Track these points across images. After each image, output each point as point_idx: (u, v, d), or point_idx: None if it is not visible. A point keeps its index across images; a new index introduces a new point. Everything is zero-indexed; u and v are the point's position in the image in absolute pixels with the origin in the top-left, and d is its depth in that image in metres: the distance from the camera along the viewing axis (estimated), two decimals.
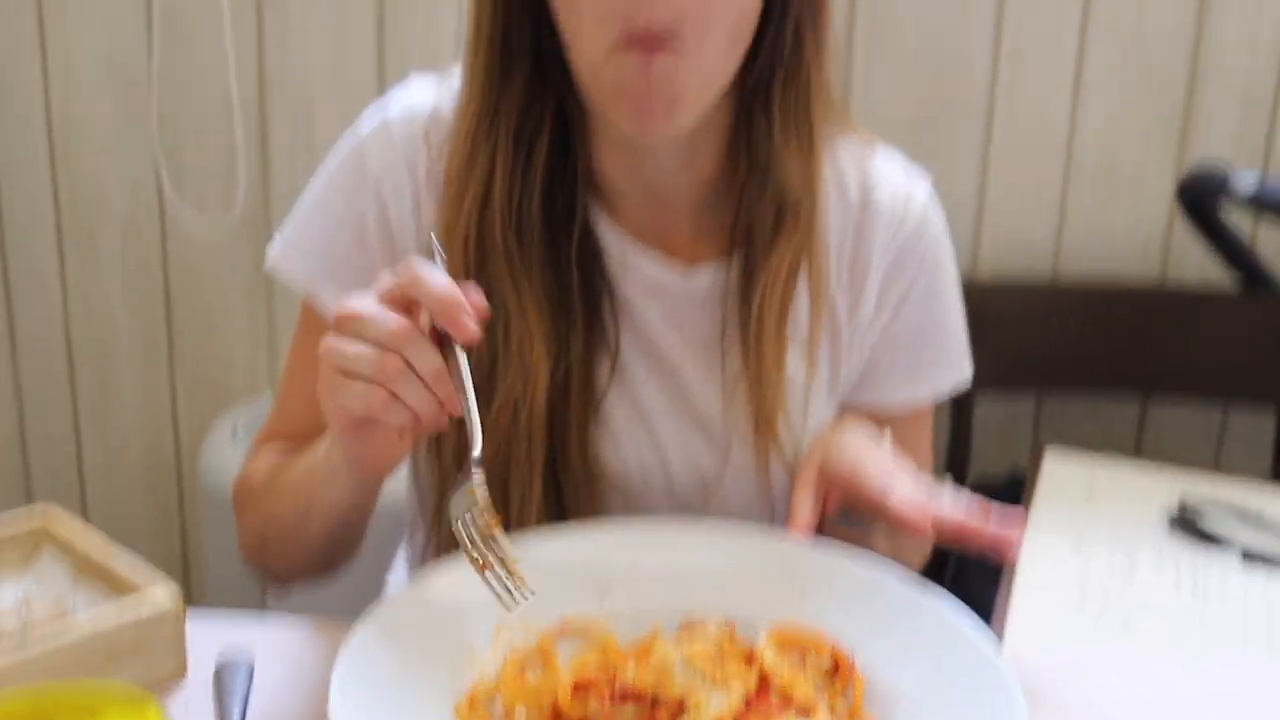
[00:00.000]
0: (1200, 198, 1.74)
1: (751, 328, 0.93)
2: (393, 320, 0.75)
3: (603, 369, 0.95)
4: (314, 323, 0.98)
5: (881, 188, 0.99)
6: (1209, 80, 1.85)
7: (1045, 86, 1.86)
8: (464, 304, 0.75)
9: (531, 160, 0.90)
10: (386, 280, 0.77)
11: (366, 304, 0.76)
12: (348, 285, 0.95)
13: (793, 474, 0.95)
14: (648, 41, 0.82)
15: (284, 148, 1.86)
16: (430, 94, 0.97)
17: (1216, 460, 2.01)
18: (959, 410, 1.85)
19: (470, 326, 0.75)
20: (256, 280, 1.91)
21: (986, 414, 1.94)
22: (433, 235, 0.82)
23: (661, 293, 0.96)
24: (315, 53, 1.83)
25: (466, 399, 0.76)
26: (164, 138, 1.83)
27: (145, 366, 1.98)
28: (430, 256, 0.80)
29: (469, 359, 0.77)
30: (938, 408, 1.82)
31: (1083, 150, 1.88)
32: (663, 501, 0.98)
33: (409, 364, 0.74)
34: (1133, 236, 1.92)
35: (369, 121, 0.97)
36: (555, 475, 0.93)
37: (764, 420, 0.94)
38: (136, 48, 1.82)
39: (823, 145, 0.94)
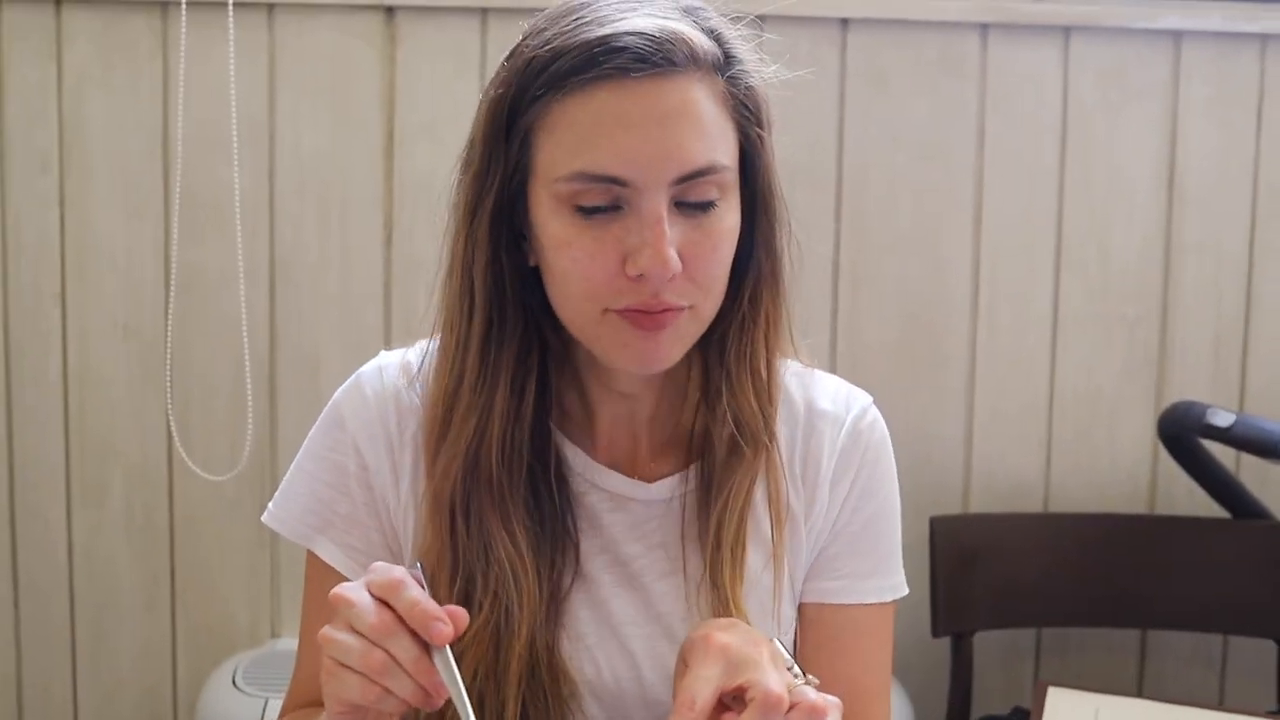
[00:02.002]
0: (1179, 434, 1.79)
1: (710, 537, 0.98)
2: (375, 614, 0.80)
3: (566, 577, 0.99)
4: (315, 576, 1.03)
5: (823, 396, 1.05)
6: (1179, 323, 1.94)
7: (1024, 331, 1.94)
8: (432, 613, 0.80)
9: (524, 400, 0.96)
10: (373, 575, 0.82)
11: (357, 593, 0.81)
12: (338, 534, 1.01)
13: None
14: (653, 324, 0.90)
15: (290, 406, 1.92)
16: (397, 356, 1.05)
17: (1221, 690, 2.00)
18: (959, 646, 1.86)
19: (441, 630, 0.80)
20: (260, 531, 1.94)
21: (987, 649, 1.94)
22: (419, 564, 0.87)
23: (625, 505, 1.01)
24: (324, 317, 1.92)
25: (457, 688, 0.80)
26: (176, 394, 1.89)
27: (146, 614, 1.98)
28: (414, 571, 0.85)
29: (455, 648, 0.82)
30: (939, 646, 1.85)
31: (1064, 391, 1.95)
32: (638, 705, 1.00)
33: (392, 656, 0.79)
34: (1118, 472, 1.97)
35: (345, 384, 1.05)
36: (525, 687, 0.96)
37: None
38: (154, 309, 1.91)
39: (777, 383, 1.01)
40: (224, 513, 1.95)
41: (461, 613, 0.81)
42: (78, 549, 1.97)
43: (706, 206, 0.90)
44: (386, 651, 0.79)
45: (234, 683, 1.83)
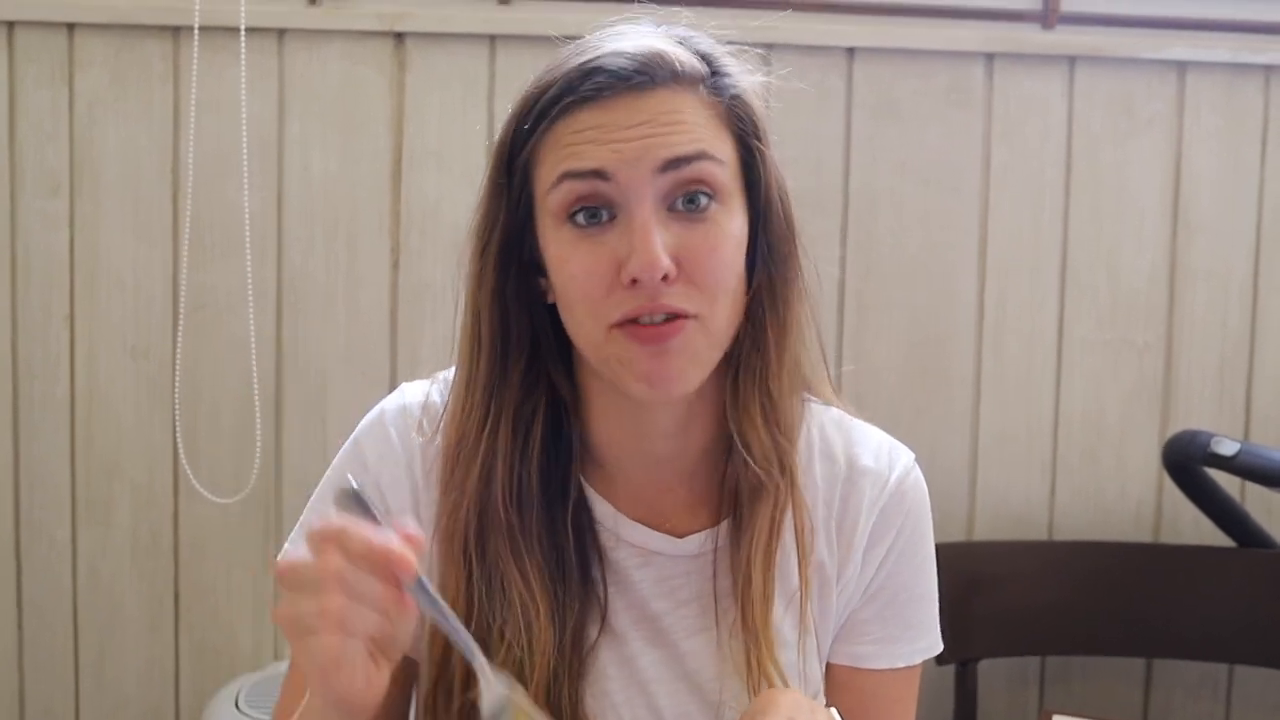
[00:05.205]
0: (1184, 463, 1.79)
1: (740, 580, 0.96)
2: (319, 565, 0.76)
3: (592, 630, 0.97)
4: None
5: (866, 453, 1.03)
6: (1185, 350, 1.95)
7: (1029, 358, 1.95)
8: (391, 552, 0.75)
9: (529, 440, 0.96)
10: (312, 530, 0.78)
11: (299, 555, 0.78)
12: None
13: None
14: (655, 336, 0.89)
15: (297, 430, 1.93)
16: (420, 392, 1.03)
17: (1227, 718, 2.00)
18: (963, 674, 1.85)
19: (406, 562, 0.75)
20: (265, 554, 1.95)
21: (991, 677, 1.94)
22: (351, 479, 0.80)
23: (654, 560, 0.99)
24: (331, 341, 1.92)
25: (443, 616, 0.77)
26: (183, 416, 1.89)
27: (149, 634, 1.98)
28: (355, 503, 0.79)
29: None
30: (943, 673, 1.85)
31: (1069, 418, 1.96)
32: None
33: (352, 597, 0.75)
34: (1124, 500, 1.97)
35: (366, 421, 1.03)
36: None
37: (756, 666, 0.96)
38: (163, 331, 1.92)
39: (790, 412, 0.98)
40: (229, 535, 1.95)
41: (416, 535, 0.77)
42: (82, 569, 1.97)
43: (700, 204, 0.89)
44: (343, 594, 0.75)
45: (237, 705, 1.83)
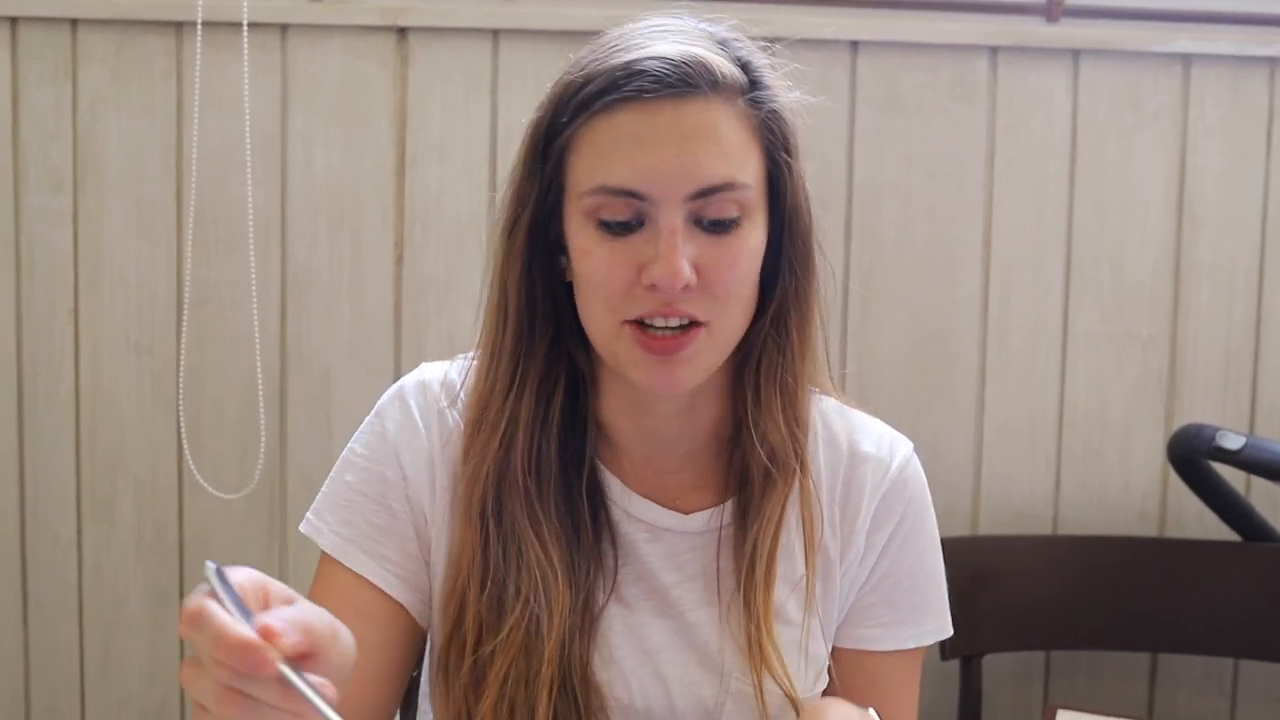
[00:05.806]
0: (1189, 456, 1.79)
1: (744, 564, 1.00)
2: (199, 646, 0.69)
3: (599, 596, 1.00)
4: (327, 579, 1.03)
5: (868, 440, 1.07)
6: (1190, 344, 1.94)
7: (1034, 352, 1.95)
8: (248, 646, 0.66)
9: (550, 411, 0.99)
10: (183, 609, 0.70)
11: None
12: (374, 545, 1.02)
13: (790, 700, 0.98)
14: (665, 346, 0.92)
15: (302, 425, 1.93)
16: (439, 370, 1.06)
17: (1232, 714, 2.00)
18: (968, 668, 1.85)
19: (261, 660, 0.66)
20: (270, 549, 1.95)
21: (996, 672, 1.94)
22: (210, 569, 0.71)
23: (663, 536, 1.02)
24: (335, 336, 1.92)
25: (317, 707, 0.68)
26: (187, 412, 1.89)
27: (153, 632, 1.98)
28: (214, 590, 0.70)
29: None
30: (947, 668, 1.84)
31: (1074, 412, 1.95)
32: None
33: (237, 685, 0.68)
34: (1128, 494, 1.96)
35: (387, 395, 1.06)
36: (556, 698, 0.97)
37: (756, 646, 0.98)
38: (167, 326, 1.92)
39: (806, 408, 1.02)
40: (234, 530, 1.95)
41: (273, 627, 0.67)
42: (87, 565, 1.97)
43: (727, 225, 0.92)
44: (240, 691, 0.68)
45: None
